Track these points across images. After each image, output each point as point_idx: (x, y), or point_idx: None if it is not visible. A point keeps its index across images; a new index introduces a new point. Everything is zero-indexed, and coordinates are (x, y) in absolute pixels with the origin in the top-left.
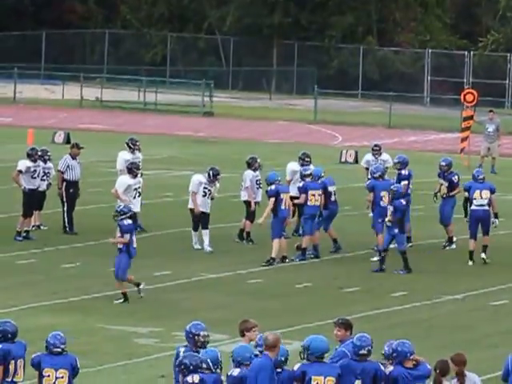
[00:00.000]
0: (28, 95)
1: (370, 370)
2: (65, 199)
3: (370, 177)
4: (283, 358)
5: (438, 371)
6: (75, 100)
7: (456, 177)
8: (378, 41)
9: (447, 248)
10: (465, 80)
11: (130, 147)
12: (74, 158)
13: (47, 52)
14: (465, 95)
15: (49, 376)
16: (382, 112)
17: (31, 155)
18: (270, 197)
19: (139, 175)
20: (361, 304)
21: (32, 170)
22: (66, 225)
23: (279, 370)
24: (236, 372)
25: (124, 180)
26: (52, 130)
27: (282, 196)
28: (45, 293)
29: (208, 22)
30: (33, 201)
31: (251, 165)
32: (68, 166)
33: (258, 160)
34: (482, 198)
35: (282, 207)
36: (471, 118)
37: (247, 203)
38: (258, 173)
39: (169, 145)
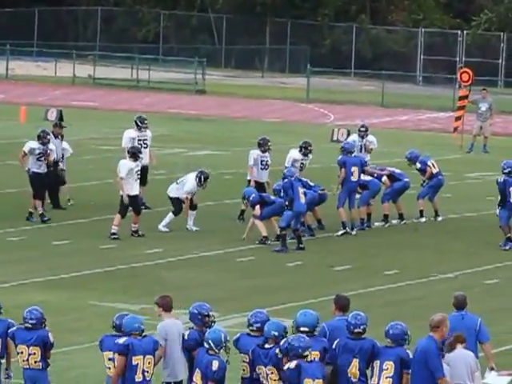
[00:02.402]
0: (20, 72)
1: (367, 348)
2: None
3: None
4: (277, 333)
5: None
6: (68, 77)
7: (421, 165)
8: (371, 19)
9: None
10: (458, 59)
11: (137, 125)
12: (56, 136)
13: (40, 29)
14: (461, 74)
15: (22, 353)
16: (375, 91)
17: (40, 137)
18: (252, 205)
19: (140, 159)
20: (352, 282)
21: (37, 152)
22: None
23: (269, 346)
24: (122, 340)
25: (126, 164)
26: (44, 107)
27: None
28: (36, 269)
29: (200, 0)
30: (40, 183)
31: (260, 145)
32: None
33: (269, 143)
34: None
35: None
36: (466, 97)
37: (249, 182)
38: (266, 154)
39: (161, 122)
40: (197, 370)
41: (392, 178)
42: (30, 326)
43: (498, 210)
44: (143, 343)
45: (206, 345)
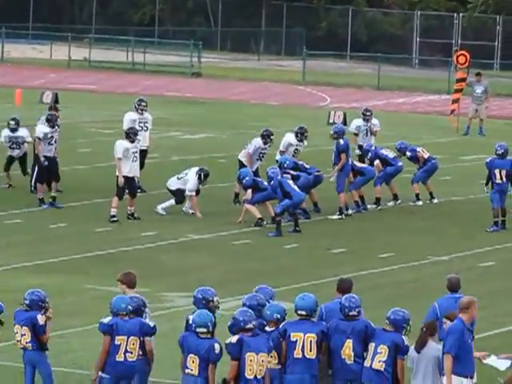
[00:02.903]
0: (16, 55)
1: (360, 329)
2: (38, 160)
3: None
4: (279, 316)
5: (424, 329)
6: (63, 60)
7: (411, 153)
8: (367, 2)
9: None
10: (454, 42)
11: (135, 107)
12: None
13: (35, 12)
14: (457, 57)
15: (17, 333)
16: (371, 73)
17: (50, 120)
18: (245, 188)
19: (137, 141)
20: (348, 265)
21: (49, 136)
22: (33, 184)
23: (270, 329)
24: (107, 320)
25: (122, 144)
26: (40, 89)
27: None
28: (31, 253)
29: None
30: (50, 168)
31: (264, 137)
32: None
33: (272, 136)
34: None
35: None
36: (463, 80)
37: (241, 163)
38: (266, 146)
39: (157, 105)
40: (190, 355)
41: (385, 162)
42: (25, 306)
43: (485, 189)
44: (128, 324)
45: (201, 329)
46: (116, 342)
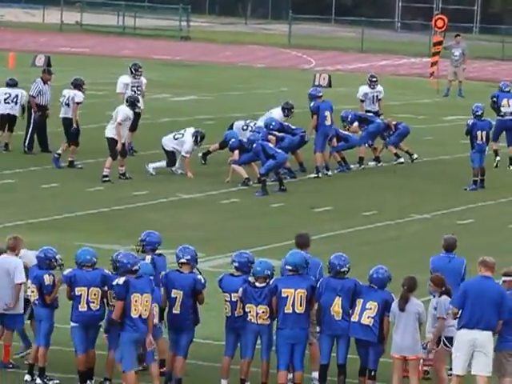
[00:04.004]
0: (9, 19)
1: (349, 286)
2: (32, 121)
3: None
4: (269, 272)
5: (405, 287)
6: (55, 24)
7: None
8: None
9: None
10: (434, 6)
11: (131, 72)
12: (45, 82)
13: None
14: (435, 21)
15: (29, 288)
16: (355, 37)
17: (79, 85)
18: (231, 150)
19: (138, 108)
20: (332, 223)
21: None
22: (26, 145)
23: (261, 285)
24: (66, 271)
25: (124, 110)
26: (33, 53)
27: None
28: (24, 212)
29: None
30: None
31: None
32: (39, 91)
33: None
34: (509, 106)
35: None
36: (441, 43)
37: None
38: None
39: (146, 68)
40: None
41: (365, 121)
42: (35, 263)
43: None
44: (89, 275)
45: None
46: (77, 293)
